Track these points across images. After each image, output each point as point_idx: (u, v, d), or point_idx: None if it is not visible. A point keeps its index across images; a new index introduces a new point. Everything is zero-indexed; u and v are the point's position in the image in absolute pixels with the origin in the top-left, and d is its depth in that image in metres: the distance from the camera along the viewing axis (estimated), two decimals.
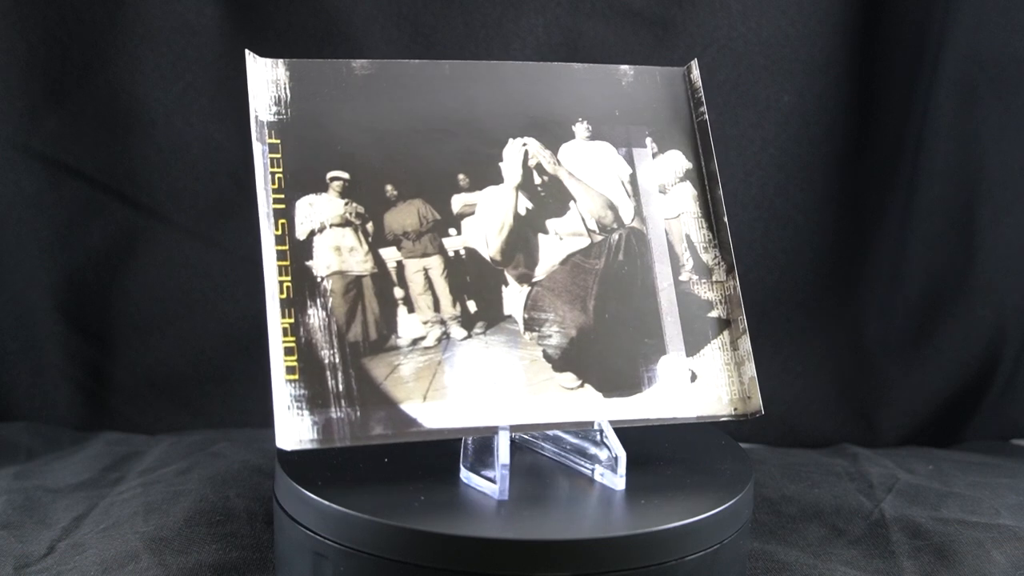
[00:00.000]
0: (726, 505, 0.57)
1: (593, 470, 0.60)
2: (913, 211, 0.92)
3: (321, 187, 0.61)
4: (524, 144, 0.64)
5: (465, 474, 0.59)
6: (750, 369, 0.63)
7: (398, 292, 0.61)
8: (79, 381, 0.93)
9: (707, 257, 0.65)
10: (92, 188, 0.91)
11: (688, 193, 0.65)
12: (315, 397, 0.58)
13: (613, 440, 0.59)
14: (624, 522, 0.54)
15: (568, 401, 0.60)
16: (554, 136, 0.65)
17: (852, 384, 0.95)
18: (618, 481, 0.58)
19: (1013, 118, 0.92)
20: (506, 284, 0.62)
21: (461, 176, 0.63)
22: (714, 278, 0.64)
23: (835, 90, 0.93)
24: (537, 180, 0.63)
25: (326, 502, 0.55)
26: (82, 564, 0.64)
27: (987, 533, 0.71)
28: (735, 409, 0.63)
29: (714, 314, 0.64)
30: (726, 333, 0.63)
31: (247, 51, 0.63)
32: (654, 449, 0.63)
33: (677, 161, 0.66)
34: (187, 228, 0.92)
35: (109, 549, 0.66)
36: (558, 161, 0.64)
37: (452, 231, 0.62)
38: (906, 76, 0.91)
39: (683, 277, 0.64)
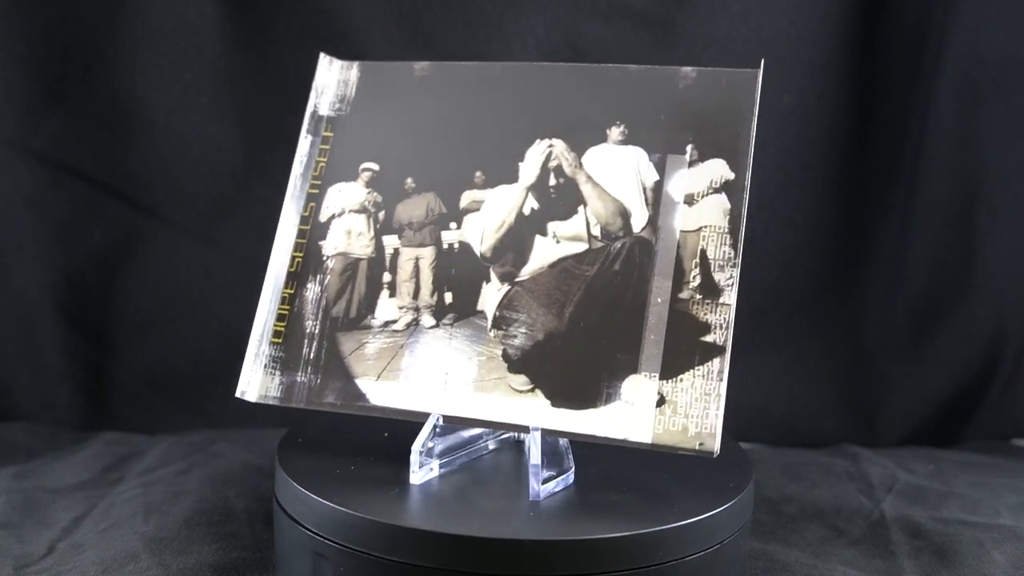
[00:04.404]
0: (726, 505, 0.57)
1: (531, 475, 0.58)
2: (913, 211, 0.92)
3: (353, 176, 0.66)
4: (550, 145, 0.64)
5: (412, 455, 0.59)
6: (722, 404, 0.57)
7: (386, 277, 0.64)
8: (79, 381, 0.93)
9: (720, 276, 0.59)
10: (92, 188, 0.91)
11: (719, 206, 0.60)
12: (289, 361, 0.64)
13: (535, 450, 0.57)
14: (624, 522, 0.54)
15: (513, 403, 0.60)
16: (584, 139, 0.63)
17: (852, 384, 0.95)
18: (538, 491, 0.57)
19: (1013, 118, 0.92)
20: (488, 280, 0.62)
21: (478, 173, 0.64)
22: (721, 300, 0.59)
23: (835, 90, 0.92)
24: (552, 182, 0.63)
25: (326, 502, 0.55)
26: (82, 564, 0.64)
27: (987, 533, 0.71)
28: (700, 444, 0.56)
29: (708, 338, 0.58)
30: (716, 361, 0.57)
31: (321, 54, 0.69)
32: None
33: (717, 170, 0.61)
34: (187, 228, 0.92)
35: (109, 549, 0.66)
36: (580, 164, 0.63)
37: (453, 225, 0.64)
38: (906, 76, 0.91)
39: (684, 295, 0.59)
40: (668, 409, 0.57)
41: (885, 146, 0.93)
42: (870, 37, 0.92)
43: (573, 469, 0.59)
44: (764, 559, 0.68)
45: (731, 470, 0.62)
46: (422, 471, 0.59)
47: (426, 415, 0.60)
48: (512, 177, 0.64)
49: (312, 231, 0.66)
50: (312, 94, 0.68)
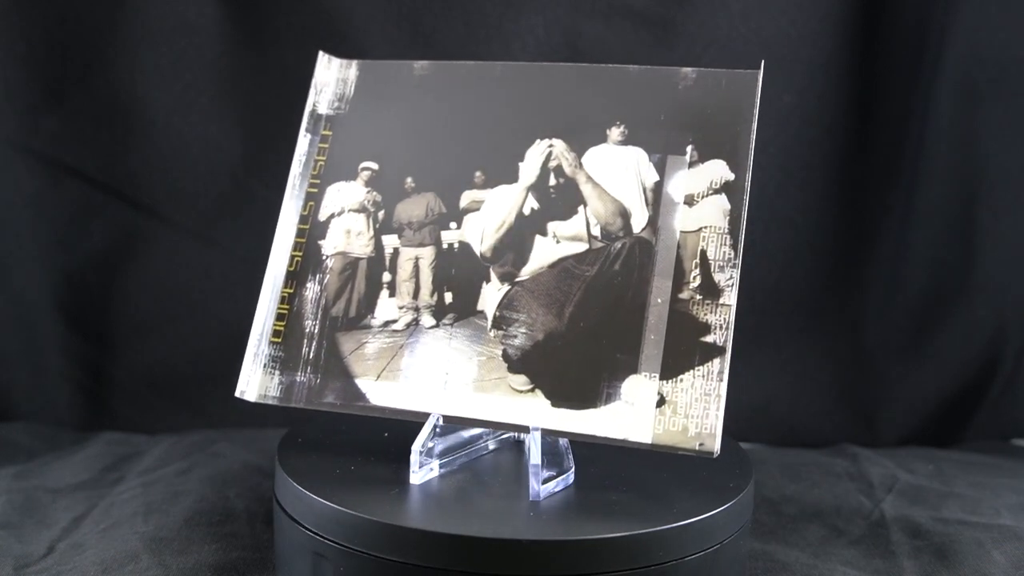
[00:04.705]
0: (726, 505, 0.57)
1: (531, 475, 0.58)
2: (913, 211, 0.92)
3: (352, 175, 0.66)
4: (550, 145, 0.64)
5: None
6: (722, 405, 0.57)
7: (386, 276, 0.64)
8: (79, 381, 0.93)
9: (720, 277, 0.59)
10: (92, 188, 0.91)
11: (719, 207, 0.60)
12: (289, 360, 0.63)
13: (535, 450, 0.57)
14: (624, 522, 0.54)
15: (512, 403, 0.60)
16: (585, 139, 0.63)
17: (852, 384, 0.95)
18: (538, 491, 0.57)
19: (1013, 118, 0.92)
20: (488, 280, 0.62)
21: (478, 173, 0.64)
22: (721, 300, 0.59)
23: (835, 90, 0.92)
24: (552, 182, 0.63)
25: (326, 502, 0.55)
26: (82, 564, 0.64)
27: (987, 533, 0.71)
28: (700, 444, 0.56)
29: (709, 339, 0.58)
30: (716, 361, 0.57)
31: (320, 52, 0.69)
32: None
33: (717, 171, 0.60)
34: (187, 228, 0.92)
35: (109, 549, 0.66)
36: (580, 164, 0.63)
37: (452, 224, 0.64)
38: (906, 76, 0.91)
39: (684, 295, 0.59)
40: (668, 409, 0.57)
41: (885, 146, 0.93)
42: (870, 37, 0.92)
43: (573, 469, 0.59)
44: (764, 559, 0.68)
45: (731, 470, 0.62)
46: (422, 471, 0.59)
47: (426, 415, 0.60)
48: (512, 177, 0.64)
49: (311, 230, 0.66)
50: (311, 92, 0.68)
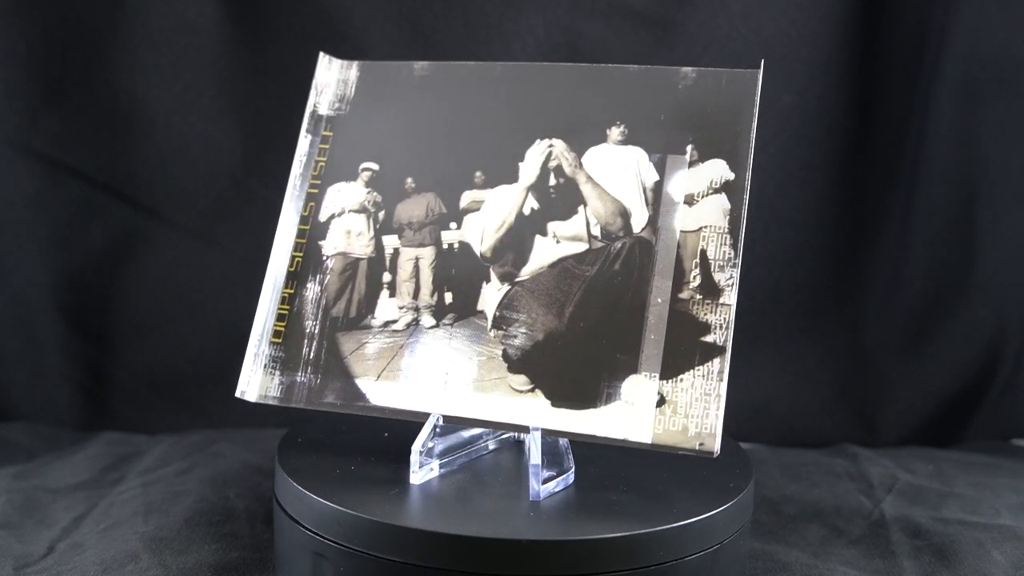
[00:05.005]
0: (726, 505, 0.57)
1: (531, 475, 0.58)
2: (913, 211, 0.92)
3: (353, 176, 0.66)
4: (550, 145, 0.64)
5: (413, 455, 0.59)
6: (722, 405, 0.57)
7: (386, 277, 0.64)
8: (79, 381, 0.93)
9: (720, 276, 0.59)
10: (92, 188, 0.91)
11: (719, 206, 0.60)
12: (289, 361, 0.64)
13: (535, 450, 0.57)
14: (624, 522, 0.54)
15: (512, 403, 0.60)
16: (585, 139, 0.63)
17: (852, 384, 0.95)
18: (538, 491, 0.57)
19: (1013, 118, 0.92)
20: (488, 280, 0.62)
21: (478, 173, 0.64)
22: (721, 300, 0.59)
23: (835, 90, 0.93)
24: (552, 182, 0.63)
25: (326, 502, 0.55)
26: (82, 564, 0.64)
27: (987, 533, 0.71)
28: (700, 444, 0.56)
29: (709, 339, 0.58)
30: (716, 361, 0.57)
31: (321, 53, 0.69)
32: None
33: (717, 170, 0.60)
34: (187, 228, 0.92)
35: (109, 549, 0.66)
36: (580, 164, 0.63)
37: (453, 225, 0.64)
38: (906, 76, 0.91)
39: (684, 295, 0.59)
40: (668, 409, 0.57)
41: (885, 146, 0.93)
42: (870, 37, 0.92)
43: (573, 469, 0.59)
44: (764, 559, 0.68)
45: (731, 470, 0.62)
46: (422, 471, 0.59)
47: (426, 415, 0.60)
48: (512, 177, 0.64)
49: (312, 231, 0.66)
50: (312, 93, 0.68)
